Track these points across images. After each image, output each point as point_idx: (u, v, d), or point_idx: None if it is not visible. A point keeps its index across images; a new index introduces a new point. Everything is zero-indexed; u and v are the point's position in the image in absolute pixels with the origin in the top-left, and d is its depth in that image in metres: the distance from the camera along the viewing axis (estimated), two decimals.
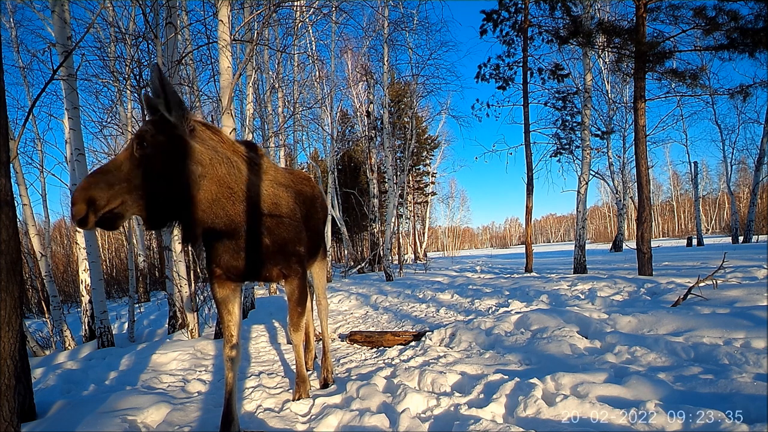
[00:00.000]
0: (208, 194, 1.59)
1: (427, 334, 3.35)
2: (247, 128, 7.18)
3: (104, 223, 1.41)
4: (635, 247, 6.04)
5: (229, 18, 3.94)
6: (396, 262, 13.44)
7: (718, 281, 3.92)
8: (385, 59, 10.22)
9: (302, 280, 2.11)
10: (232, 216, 1.73)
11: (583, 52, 8.38)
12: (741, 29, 5.43)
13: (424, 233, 22.95)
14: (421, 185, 22.30)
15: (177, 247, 4.34)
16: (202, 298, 5.29)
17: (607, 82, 14.80)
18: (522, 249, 21.38)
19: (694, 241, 15.79)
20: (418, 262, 18.70)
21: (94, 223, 1.38)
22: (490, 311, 4.43)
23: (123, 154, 1.48)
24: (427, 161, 21.75)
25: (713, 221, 35.75)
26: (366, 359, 3.06)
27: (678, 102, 15.94)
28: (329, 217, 11.11)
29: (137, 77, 5.04)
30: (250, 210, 1.79)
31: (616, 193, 16.14)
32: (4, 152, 1.29)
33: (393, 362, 2.82)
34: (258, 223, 1.84)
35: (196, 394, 2.52)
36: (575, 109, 10.27)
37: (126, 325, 5.95)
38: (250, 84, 7.29)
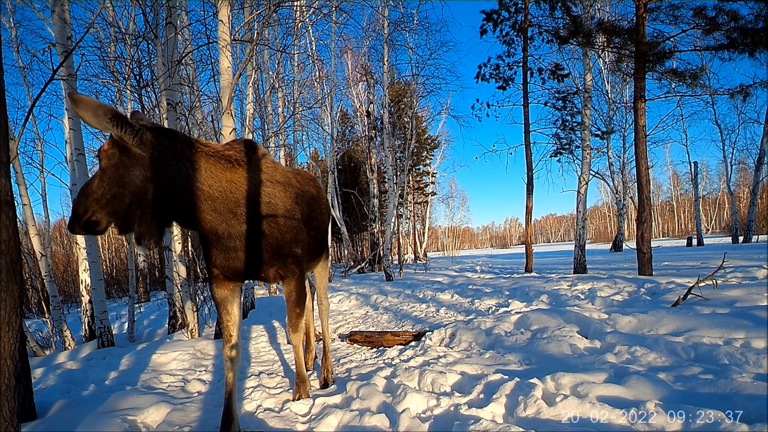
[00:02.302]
0: (161, 197, 1.62)
1: (427, 334, 3.35)
2: (247, 128, 7.17)
3: (87, 229, 1.59)
4: (635, 247, 6.04)
5: (229, 18, 3.94)
6: (396, 262, 13.45)
7: (718, 281, 3.92)
8: (385, 59, 10.22)
9: (300, 281, 2.10)
10: (203, 217, 1.73)
11: (583, 52, 8.38)
12: (741, 29, 5.43)
13: (424, 233, 22.94)
14: (421, 185, 22.29)
15: (177, 247, 4.34)
16: (202, 298, 5.29)
17: (607, 82, 14.80)
18: (522, 249, 21.40)
19: (694, 241, 15.79)
20: (418, 262, 18.70)
21: (80, 229, 1.58)
22: (490, 311, 4.43)
23: (97, 171, 1.63)
24: (427, 161, 21.73)
25: (713, 221, 35.76)
26: (366, 359, 3.06)
27: (678, 102, 15.97)
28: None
29: (137, 77, 5.04)
30: (229, 210, 1.77)
31: (616, 193, 16.14)
32: (4, 152, 1.29)
33: (393, 362, 2.82)
34: (245, 224, 1.82)
35: (196, 394, 2.52)
36: (575, 109, 10.27)
37: (126, 325, 5.95)
38: (250, 84, 7.28)
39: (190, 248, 5.02)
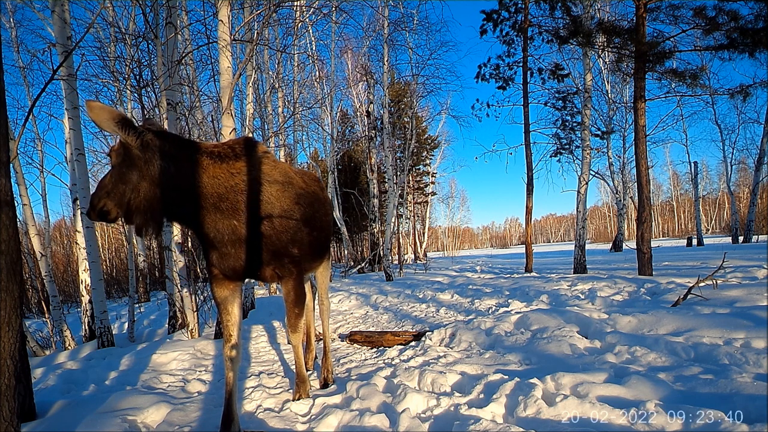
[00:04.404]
0: (152, 193, 1.74)
1: (427, 334, 3.35)
2: (247, 128, 7.18)
3: (101, 218, 1.76)
4: (635, 247, 6.04)
5: (229, 18, 3.94)
6: (396, 262, 13.44)
7: (718, 281, 3.92)
8: (385, 59, 10.21)
9: (298, 281, 2.09)
10: (189, 213, 1.81)
11: (583, 52, 8.38)
12: (741, 29, 5.42)
13: (424, 233, 22.94)
14: (421, 185, 22.29)
15: (176, 246, 4.34)
16: (202, 298, 5.29)
17: (607, 82, 14.79)
18: (522, 249, 21.38)
19: (694, 241, 15.79)
20: (418, 262, 18.69)
21: (96, 217, 1.77)
22: (490, 311, 4.43)
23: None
24: (427, 161, 21.73)
25: (713, 221, 35.74)
26: (366, 359, 3.06)
27: (678, 102, 15.96)
28: None
29: (137, 77, 5.04)
30: (213, 206, 1.81)
31: (616, 193, 16.14)
32: (4, 152, 1.29)
33: (393, 362, 2.82)
34: (235, 221, 1.85)
35: (196, 394, 2.52)
36: (575, 109, 10.27)
37: (126, 325, 5.95)
38: (250, 84, 7.28)
39: (190, 247, 5.02)
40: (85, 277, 5.58)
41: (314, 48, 11.84)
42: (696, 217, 16.78)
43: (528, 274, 8.04)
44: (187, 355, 3.33)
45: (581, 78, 9.89)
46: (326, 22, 11.59)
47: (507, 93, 11.66)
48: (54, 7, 4.19)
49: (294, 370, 2.49)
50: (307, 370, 2.76)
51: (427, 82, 12.67)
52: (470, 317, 4.07)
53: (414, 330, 3.74)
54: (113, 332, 4.46)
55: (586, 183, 8.13)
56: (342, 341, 3.73)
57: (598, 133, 13.77)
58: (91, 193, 1.83)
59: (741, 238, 15.18)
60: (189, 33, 6.91)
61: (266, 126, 9.27)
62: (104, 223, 1.91)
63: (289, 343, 3.79)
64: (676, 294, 3.86)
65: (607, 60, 12.60)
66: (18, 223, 2.13)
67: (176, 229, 4.25)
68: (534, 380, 1.92)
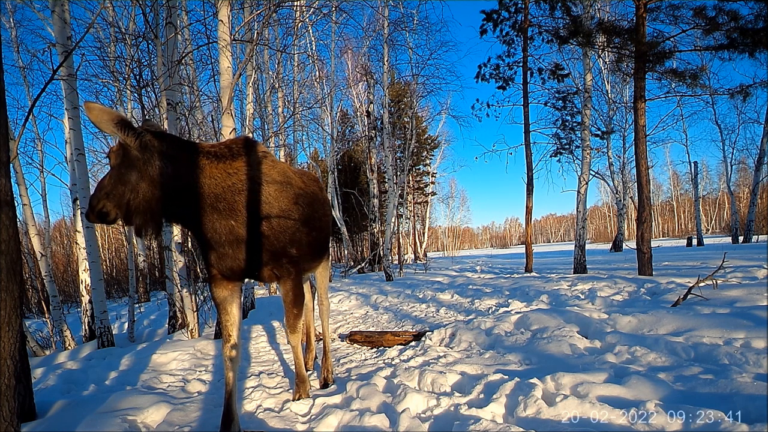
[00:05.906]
0: (151, 194, 1.73)
1: (427, 334, 3.35)
2: (247, 128, 7.18)
3: (100, 219, 1.77)
4: (635, 247, 6.04)
5: (229, 18, 3.94)
6: (396, 262, 13.44)
7: (718, 281, 3.92)
8: (385, 59, 10.21)
9: (296, 281, 2.09)
10: (186, 213, 1.81)
11: (583, 52, 8.38)
12: (741, 29, 5.43)
13: (424, 233, 22.93)
14: (421, 185, 22.29)
15: (176, 246, 4.34)
16: (202, 298, 5.29)
17: (607, 82, 14.79)
18: (522, 249, 21.38)
19: (694, 241, 15.79)
20: (418, 262, 18.69)
21: (95, 218, 1.77)
22: (490, 311, 4.43)
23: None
24: (427, 161, 21.72)
25: (713, 221, 35.74)
26: (366, 359, 3.06)
27: (678, 102, 15.97)
28: None
29: (137, 77, 5.04)
30: (210, 206, 1.81)
31: (616, 193, 16.14)
32: (4, 152, 1.29)
33: (393, 362, 2.82)
34: (232, 221, 1.84)
35: (196, 394, 2.52)
36: (575, 109, 10.26)
37: (126, 325, 5.95)
38: (250, 84, 7.28)
39: (189, 247, 5.02)
40: (85, 277, 5.58)
41: (314, 48, 11.86)
42: (696, 217, 16.78)
43: (528, 274, 8.04)
44: (187, 355, 3.33)
45: (581, 78, 9.90)
46: (326, 22, 11.60)
47: (507, 93, 11.72)
48: (54, 7, 4.18)
49: (294, 370, 2.49)
50: (307, 370, 2.76)
51: (427, 82, 12.69)
52: (470, 317, 4.07)
53: (414, 330, 3.74)
54: (113, 332, 4.46)
55: (586, 183, 8.13)
56: (342, 341, 3.73)
57: (598, 133, 13.77)
58: (91, 194, 1.83)
59: (741, 238, 15.18)
60: (189, 33, 6.91)
61: (266, 126, 9.27)
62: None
63: (288, 344, 3.79)
64: (676, 294, 3.86)
65: (607, 60, 12.61)
66: (18, 223, 2.13)
67: (176, 229, 4.26)
68: (534, 380, 1.92)
